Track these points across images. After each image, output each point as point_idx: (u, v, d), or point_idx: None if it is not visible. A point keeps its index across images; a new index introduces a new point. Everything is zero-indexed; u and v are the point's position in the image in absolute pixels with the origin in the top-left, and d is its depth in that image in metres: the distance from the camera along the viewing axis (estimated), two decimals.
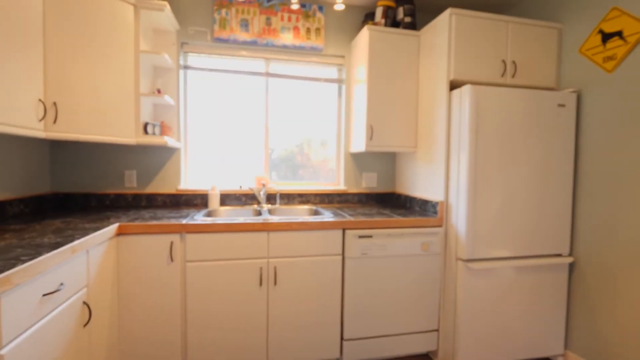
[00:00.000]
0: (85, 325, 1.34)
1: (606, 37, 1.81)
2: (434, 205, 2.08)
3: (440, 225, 2.01)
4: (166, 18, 2.05)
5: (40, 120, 1.57)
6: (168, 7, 1.97)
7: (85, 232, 1.42)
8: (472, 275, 1.89)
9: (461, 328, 1.91)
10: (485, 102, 1.84)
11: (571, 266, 2.03)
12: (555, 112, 1.92)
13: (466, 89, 1.82)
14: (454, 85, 2.00)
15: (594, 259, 1.89)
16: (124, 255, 1.66)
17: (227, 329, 1.77)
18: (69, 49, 1.67)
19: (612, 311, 1.79)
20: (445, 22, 1.94)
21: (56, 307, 1.16)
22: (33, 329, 1.03)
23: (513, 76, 2.00)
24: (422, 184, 2.26)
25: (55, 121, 1.63)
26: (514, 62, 1.99)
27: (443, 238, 2.02)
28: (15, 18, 1.39)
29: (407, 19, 2.22)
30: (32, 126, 1.50)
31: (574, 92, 1.96)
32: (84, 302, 1.34)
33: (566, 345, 2.06)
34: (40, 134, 1.58)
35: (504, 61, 1.98)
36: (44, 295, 1.08)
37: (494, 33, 1.96)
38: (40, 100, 1.56)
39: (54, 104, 1.63)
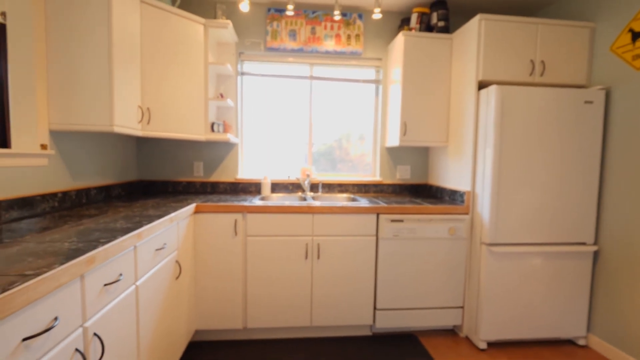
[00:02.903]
0: (177, 278, 1.77)
1: (636, 35, 1.88)
2: (461, 194, 2.28)
3: (466, 213, 2.21)
4: (228, 33, 2.44)
5: (139, 122, 2.02)
6: (231, 24, 2.35)
7: (175, 209, 1.84)
8: (494, 258, 2.08)
9: (484, 306, 2.11)
10: (511, 100, 2.00)
11: (595, 254, 2.13)
12: (582, 108, 2.03)
13: (492, 89, 1.99)
14: (483, 85, 2.17)
15: (618, 248, 1.99)
16: (199, 229, 2.09)
17: (278, 292, 2.14)
18: (157, 64, 2.11)
19: (636, 298, 1.89)
20: (474, 27, 2.11)
21: (162, 260, 1.58)
22: (150, 273, 1.45)
23: (541, 75, 2.13)
24: (451, 175, 2.46)
25: (149, 122, 2.08)
26: (542, 62, 2.11)
27: (469, 224, 2.22)
28: (126, 45, 1.84)
29: (441, 24, 2.41)
30: (134, 127, 1.96)
31: (602, 89, 2.04)
32: (176, 261, 1.77)
33: (589, 329, 2.18)
34: (139, 132, 2.03)
35: (532, 61, 2.11)
36: (156, 250, 1.50)
37: (523, 35, 2.10)
38: (139, 106, 2.01)
39: (148, 109, 2.08)
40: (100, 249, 1.05)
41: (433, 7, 2.44)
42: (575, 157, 2.06)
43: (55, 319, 0.86)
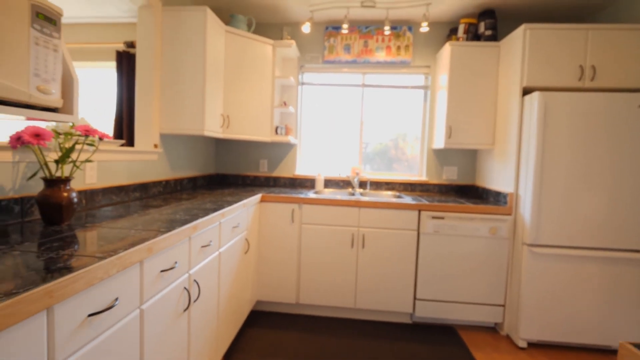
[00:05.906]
0: (245, 252, 2.20)
1: None
2: (505, 196, 2.36)
3: (509, 214, 2.30)
4: (292, 51, 2.84)
5: (221, 127, 2.51)
6: (294, 44, 2.74)
7: (246, 197, 2.28)
8: (535, 259, 2.15)
9: (524, 304, 2.18)
10: (556, 106, 2.06)
11: None
12: (636, 112, 2.00)
13: (535, 96, 2.07)
14: (528, 91, 2.24)
15: None
16: (263, 215, 2.51)
17: (327, 274, 2.47)
18: (235, 79, 2.58)
19: None
20: (519, 36, 2.20)
21: (236, 236, 2.01)
22: (228, 244, 1.88)
23: (592, 80, 2.13)
24: (496, 177, 2.54)
25: (228, 127, 2.57)
26: (593, 67, 2.12)
27: (512, 225, 2.30)
28: (214, 67, 2.32)
29: (488, 32, 2.51)
30: (217, 130, 2.45)
31: None
32: (246, 239, 2.20)
33: None
34: (220, 135, 2.52)
35: (581, 66, 2.13)
36: (233, 227, 1.93)
37: (571, 41, 2.13)
38: (221, 114, 2.50)
39: (228, 116, 2.56)
40: (200, 220, 1.47)
41: (481, 17, 2.55)
42: (629, 162, 2.03)
43: (175, 262, 1.28)
